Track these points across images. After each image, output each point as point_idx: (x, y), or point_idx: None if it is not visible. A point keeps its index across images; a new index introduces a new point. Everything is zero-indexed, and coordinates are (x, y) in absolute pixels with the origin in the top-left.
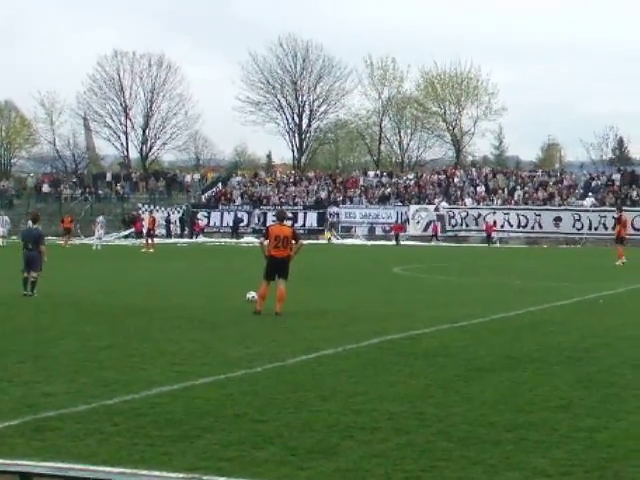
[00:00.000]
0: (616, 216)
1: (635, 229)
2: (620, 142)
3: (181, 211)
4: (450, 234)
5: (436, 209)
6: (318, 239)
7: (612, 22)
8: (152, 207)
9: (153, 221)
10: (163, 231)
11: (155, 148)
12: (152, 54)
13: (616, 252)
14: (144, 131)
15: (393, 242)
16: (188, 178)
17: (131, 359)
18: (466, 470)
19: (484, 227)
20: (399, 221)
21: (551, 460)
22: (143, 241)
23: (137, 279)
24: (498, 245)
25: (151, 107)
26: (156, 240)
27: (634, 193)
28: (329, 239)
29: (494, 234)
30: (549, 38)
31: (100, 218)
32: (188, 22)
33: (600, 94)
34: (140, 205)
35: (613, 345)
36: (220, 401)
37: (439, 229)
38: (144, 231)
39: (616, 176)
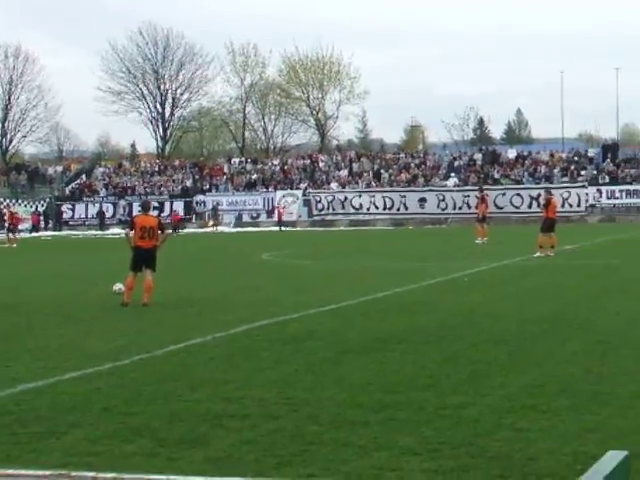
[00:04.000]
0: (479, 195)
1: (498, 207)
2: (480, 122)
3: (45, 204)
4: (317, 218)
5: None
6: (186, 228)
7: (475, 4)
8: (13, 201)
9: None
10: (27, 225)
11: (15, 141)
12: (8, 45)
13: (476, 231)
14: (3, 124)
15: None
16: (51, 170)
17: None
18: (336, 452)
19: (276, 212)
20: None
21: (419, 438)
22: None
23: None
24: (287, 229)
25: (9, 99)
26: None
27: (495, 172)
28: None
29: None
30: (411, 21)
31: None
32: (44, 12)
33: (460, 76)
34: (1, 200)
35: (477, 322)
36: (87, 395)
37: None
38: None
39: (478, 156)
